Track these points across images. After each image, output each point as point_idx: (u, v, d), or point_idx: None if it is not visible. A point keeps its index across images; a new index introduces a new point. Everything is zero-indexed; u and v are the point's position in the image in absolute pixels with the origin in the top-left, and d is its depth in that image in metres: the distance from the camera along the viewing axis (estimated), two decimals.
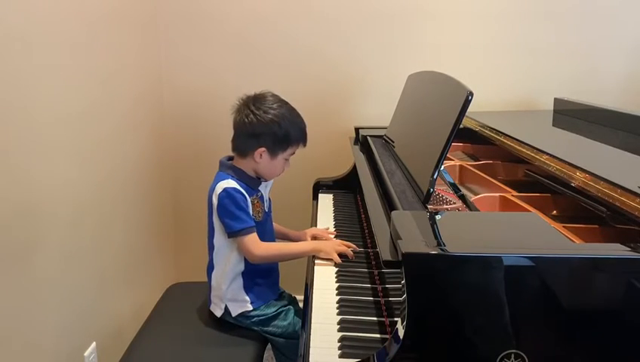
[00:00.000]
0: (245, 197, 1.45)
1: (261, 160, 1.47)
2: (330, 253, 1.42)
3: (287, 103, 1.51)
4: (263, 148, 1.46)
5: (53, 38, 1.40)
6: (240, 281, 1.50)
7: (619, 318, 0.89)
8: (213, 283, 1.52)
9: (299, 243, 1.56)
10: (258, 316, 1.49)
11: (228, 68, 2.23)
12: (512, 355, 0.87)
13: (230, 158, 1.54)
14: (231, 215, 1.43)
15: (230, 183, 1.44)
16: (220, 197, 1.43)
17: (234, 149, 1.51)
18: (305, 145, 1.53)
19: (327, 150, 2.25)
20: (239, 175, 1.48)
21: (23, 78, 1.28)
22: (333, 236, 1.60)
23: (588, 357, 0.90)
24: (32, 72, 1.31)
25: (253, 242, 1.44)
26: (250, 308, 1.49)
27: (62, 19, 1.44)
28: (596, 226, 1.16)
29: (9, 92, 1.22)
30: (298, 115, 1.51)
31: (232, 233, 1.44)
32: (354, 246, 1.45)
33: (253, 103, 1.46)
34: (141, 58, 2.02)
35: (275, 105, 1.46)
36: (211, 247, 1.52)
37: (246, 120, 1.45)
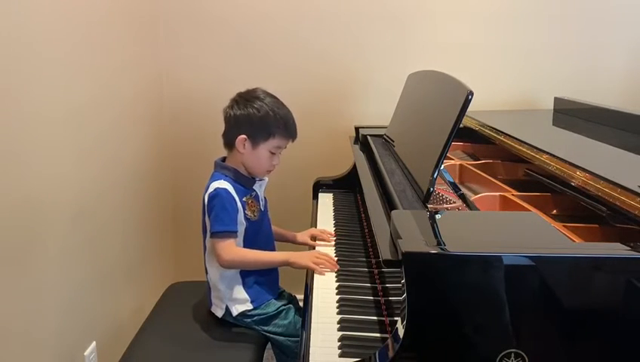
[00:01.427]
0: (234, 200, 1.44)
1: (244, 150, 1.47)
2: (305, 265, 1.39)
3: (275, 98, 1.51)
4: (244, 136, 1.46)
5: (54, 37, 1.40)
6: (239, 281, 1.50)
7: (619, 318, 0.89)
8: (210, 284, 1.53)
9: (273, 252, 1.54)
10: (259, 315, 1.49)
11: (228, 66, 2.23)
12: (512, 354, 0.87)
13: (224, 159, 1.54)
14: (214, 215, 1.42)
15: (222, 184, 1.44)
16: (210, 197, 1.44)
17: (224, 145, 1.53)
18: (293, 140, 1.52)
19: (327, 149, 2.25)
20: (233, 174, 1.48)
21: (23, 77, 1.27)
22: (333, 238, 1.59)
23: (588, 356, 0.90)
24: (32, 71, 1.31)
25: (225, 247, 1.41)
26: (251, 307, 1.49)
27: (63, 17, 1.44)
28: (596, 225, 1.16)
29: (9, 90, 1.22)
30: (282, 107, 1.50)
31: (211, 233, 1.43)
32: (333, 260, 1.41)
33: (240, 96, 1.50)
34: (141, 56, 2.02)
35: (261, 97, 1.48)
36: (205, 248, 1.52)
37: (230, 111, 1.49)
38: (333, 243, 1.56)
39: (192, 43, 2.23)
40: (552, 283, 0.88)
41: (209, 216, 1.44)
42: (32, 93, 1.31)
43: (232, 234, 1.43)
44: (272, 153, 1.49)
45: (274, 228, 1.66)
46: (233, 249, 1.43)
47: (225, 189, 1.43)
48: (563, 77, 2.23)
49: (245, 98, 1.49)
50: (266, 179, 1.57)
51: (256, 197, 1.53)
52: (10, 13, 1.22)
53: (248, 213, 1.48)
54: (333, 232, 1.62)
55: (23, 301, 1.30)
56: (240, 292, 1.49)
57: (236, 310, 1.49)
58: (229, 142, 1.50)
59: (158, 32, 2.19)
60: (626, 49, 2.22)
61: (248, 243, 1.49)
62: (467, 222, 1.11)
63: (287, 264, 1.44)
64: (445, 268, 0.89)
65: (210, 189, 1.44)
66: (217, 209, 1.42)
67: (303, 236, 1.64)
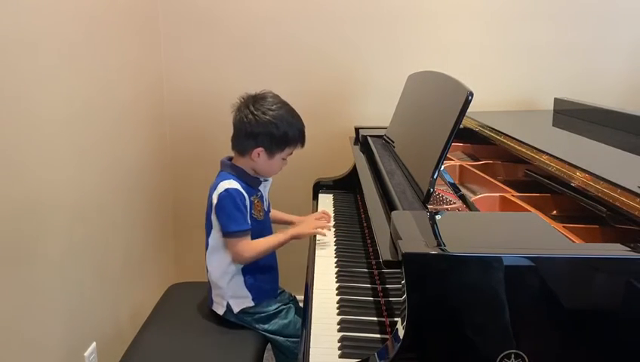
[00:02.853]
0: (245, 199, 1.46)
1: (259, 159, 1.48)
2: (309, 233, 1.52)
3: (286, 104, 1.51)
4: (261, 148, 1.47)
5: (55, 38, 1.40)
6: (241, 278, 1.51)
7: (619, 318, 0.89)
8: (212, 282, 1.53)
9: (279, 234, 1.54)
10: (259, 313, 1.50)
11: (228, 67, 2.23)
12: (512, 355, 0.87)
13: (231, 158, 1.55)
14: (228, 215, 1.44)
15: (232, 184, 1.45)
16: (221, 196, 1.44)
17: (233, 148, 1.52)
18: (303, 145, 1.54)
19: (327, 150, 2.25)
20: (240, 174, 1.49)
21: (24, 78, 1.28)
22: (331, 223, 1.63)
23: (588, 356, 0.90)
24: (33, 72, 1.31)
25: (245, 245, 1.46)
26: (252, 304, 1.50)
27: (63, 18, 1.44)
28: (596, 226, 1.16)
29: (10, 91, 1.22)
30: (297, 117, 1.51)
31: (227, 233, 1.45)
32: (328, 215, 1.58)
33: (252, 103, 1.47)
34: (142, 57, 2.02)
35: (274, 107, 1.47)
36: (207, 246, 1.53)
37: (245, 120, 1.47)
38: (334, 241, 1.56)
39: (192, 45, 2.22)
40: (552, 283, 0.88)
41: (218, 215, 1.46)
42: (33, 95, 1.31)
43: (248, 232, 1.46)
44: (284, 158, 1.52)
45: (274, 211, 1.69)
46: (251, 245, 1.47)
47: (236, 189, 1.45)
48: (563, 77, 2.23)
49: (259, 108, 1.46)
50: (270, 180, 1.58)
51: (262, 197, 1.54)
52: (9, 15, 1.22)
53: (255, 213, 1.49)
54: (330, 213, 1.68)
55: (24, 301, 1.30)
56: (241, 289, 1.51)
57: (237, 307, 1.50)
58: (242, 150, 1.50)
59: (158, 34, 2.19)
60: (626, 49, 2.22)
61: None
62: (467, 222, 1.11)
63: (293, 238, 1.50)
64: (445, 269, 0.89)
65: (221, 189, 1.45)
66: (230, 208, 1.43)
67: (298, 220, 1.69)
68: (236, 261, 1.48)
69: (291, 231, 1.51)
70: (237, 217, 1.44)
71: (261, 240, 1.51)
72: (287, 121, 1.47)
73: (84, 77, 1.56)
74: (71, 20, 1.48)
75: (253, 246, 1.48)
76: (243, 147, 1.49)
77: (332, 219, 1.74)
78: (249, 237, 1.47)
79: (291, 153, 1.53)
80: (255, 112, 1.46)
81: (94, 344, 1.65)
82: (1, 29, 1.19)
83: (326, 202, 1.91)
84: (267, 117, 1.45)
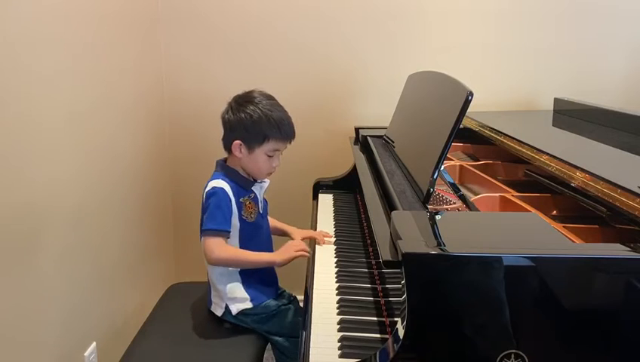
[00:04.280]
0: (230, 200, 1.44)
1: (241, 154, 1.48)
2: (290, 257, 1.44)
3: (271, 100, 1.50)
4: (239, 141, 1.47)
5: (55, 39, 1.40)
6: (238, 279, 1.50)
7: (619, 318, 0.89)
8: (211, 282, 1.53)
9: (259, 253, 1.50)
10: (258, 314, 1.50)
11: (228, 68, 2.23)
12: (512, 355, 0.87)
13: (226, 160, 1.55)
14: (209, 213, 1.42)
15: (219, 183, 1.45)
16: (207, 194, 1.45)
17: (224, 148, 1.53)
18: (290, 141, 1.51)
19: (327, 150, 2.25)
20: (232, 175, 1.49)
21: (24, 78, 1.28)
22: (330, 238, 1.58)
23: (588, 357, 0.90)
24: (32, 72, 1.31)
25: (213, 244, 1.41)
26: (250, 305, 1.49)
27: (63, 20, 1.44)
28: (596, 226, 1.16)
29: (10, 92, 1.22)
30: (279, 112, 1.47)
31: (203, 230, 1.43)
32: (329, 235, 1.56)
33: (235, 100, 1.49)
34: (142, 59, 2.02)
35: (255, 101, 1.47)
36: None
37: (225, 116, 1.49)
38: (334, 241, 1.56)
39: (192, 46, 2.23)
40: (552, 283, 0.88)
41: (203, 214, 1.45)
42: (34, 96, 1.31)
43: (223, 233, 1.43)
44: (270, 156, 1.49)
45: (273, 221, 1.66)
46: (222, 247, 1.42)
47: (222, 188, 1.44)
48: (563, 77, 2.23)
49: (239, 102, 1.48)
50: (267, 181, 1.57)
51: (255, 198, 1.52)
52: (10, 17, 1.22)
53: (244, 214, 1.48)
54: (329, 233, 1.61)
55: (24, 301, 1.30)
56: (239, 292, 1.50)
57: (236, 308, 1.49)
58: (226, 146, 1.51)
59: (158, 35, 2.19)
60: (626, 49, 2.23)
61: (244, 244, 1.49)
62: (467, 222, 1.11)
63: (272, 263, 1.47)
64: (445, 269, 0.89)
65: (208, 188, 1.46)
66: (212, 207, 1.43)
67: (299, 236, 1.62)
68: (207, 260, 1.44)
69: (274, 257, 1.47)
70: (216, 216, 1.41)
71: (240, 250, 1.47)
72: (263, 112, 1.45)
73: (84, 78, 1.56)
74: (72, 22, 1.48)
75: (225, 249, 1.43)
76: (226, 142, 1.50)
77: (332, 218, 1.74)
78: (223, 239, 1.43)
79: (277, 150, 1.49)
80: (233, 107, 1.48)
81: (94, 344, 1.65)
82: (1, 31, 1.19)
83: (326, 202, 1.91)
84: (245, 110, 1.45)
